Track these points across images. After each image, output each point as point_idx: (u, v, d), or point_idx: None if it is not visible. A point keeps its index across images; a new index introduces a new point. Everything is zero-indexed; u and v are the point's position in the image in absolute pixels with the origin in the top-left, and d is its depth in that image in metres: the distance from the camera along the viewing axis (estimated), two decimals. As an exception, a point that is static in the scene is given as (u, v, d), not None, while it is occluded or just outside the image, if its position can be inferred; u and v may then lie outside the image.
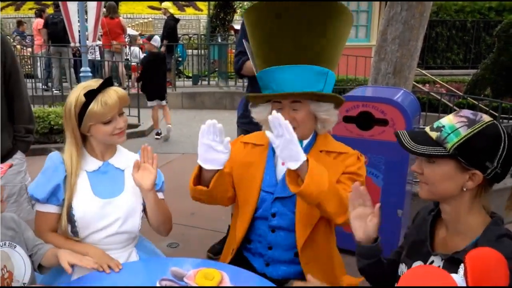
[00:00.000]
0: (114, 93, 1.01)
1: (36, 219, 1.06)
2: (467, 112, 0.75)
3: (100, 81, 1.03)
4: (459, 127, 0.72)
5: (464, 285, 0.58)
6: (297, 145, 0.89)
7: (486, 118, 0.74)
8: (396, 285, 0.72)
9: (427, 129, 0.78)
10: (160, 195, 1.13)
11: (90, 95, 0.98)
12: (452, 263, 0.73)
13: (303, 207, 1.00)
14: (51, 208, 1.04)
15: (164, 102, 4.12)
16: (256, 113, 1.06)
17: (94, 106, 0.99)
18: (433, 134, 0.75)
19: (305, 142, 1.05)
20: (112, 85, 1.04)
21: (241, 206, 1.08)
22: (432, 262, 0.78)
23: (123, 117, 1.05)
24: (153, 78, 4.01)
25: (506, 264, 0.59)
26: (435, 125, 0.76)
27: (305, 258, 1.03)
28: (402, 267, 0.85)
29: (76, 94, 1.01)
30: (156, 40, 4.19)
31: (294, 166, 0.89)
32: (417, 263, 0.80)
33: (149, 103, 4.08)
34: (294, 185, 0.91)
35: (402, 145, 0.77)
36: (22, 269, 0.92)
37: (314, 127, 1.05)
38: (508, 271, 0.59)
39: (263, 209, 1.04)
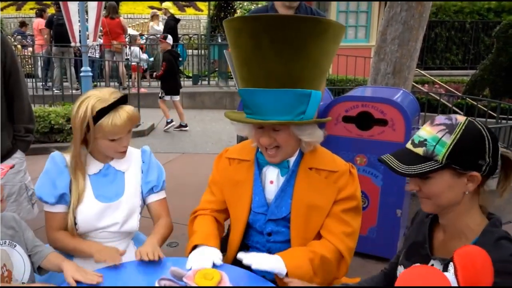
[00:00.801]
0: (125, 114, 0.99)
1: (46, 219, 1.07)
2: (441, 119, 0.74)
3: (115, 95, 1.00)
4: (442, 136, 0.72)
5: (455, 283, 0.58)
6: (268, 262, 0.90)
7: (461, 118, 0.74)
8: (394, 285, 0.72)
9: (409, 146, 0.76)
10: (162, 194, 1.13)
11: (101, 113, 0.97)
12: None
13: (298, 226, 0.98)
14: (60, 208, 1.05)
15: (178, 98, 4.47)
16: (238, 130, 1.03)
17: (104, 123, 0.97)
18: (419, 150, 0.74)
19: (292, 160, 1.00)
20: (126, 102, 1.02)
21: (233, 223, 1.07)
22: (432, 265, 0.77)
23: (129, 134, 1.04)
24: (176, 75, 4.46)
25: (491, 262, 0.60)
26: (416, 140, 0.75)
27: None
28: (401, 269, 0.85)
29: (90, 104, 0.98)
30: (170, 39, 4.60)
31: (282, 267, 0.90)
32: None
33: (166, 97, 4.42)
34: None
35: (394, 170, 0.75)
36: (21, 268, 0.92)
37: (298, 147, 1.00)
38: (493, 268, 0.60)
39: (257, 226, 1.04)
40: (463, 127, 0.72)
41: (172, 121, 4.48)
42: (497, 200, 0.77)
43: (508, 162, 0.75)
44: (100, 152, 1.06)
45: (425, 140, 0.73)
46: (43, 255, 0.96)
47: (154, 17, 7.23)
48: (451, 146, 0.71)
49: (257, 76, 0.90)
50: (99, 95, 1.00)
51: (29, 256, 0.95)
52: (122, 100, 1.01)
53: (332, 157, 1.04)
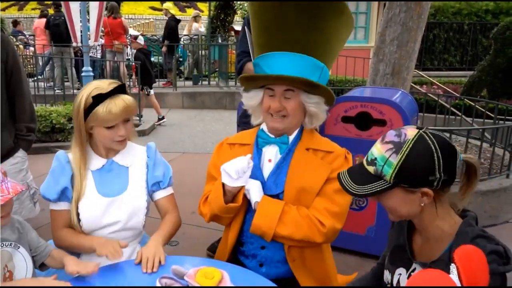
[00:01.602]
0: (121, 102, 0.99)
1: (51, 219, 1.08)
2: (391, 136, 0.74)
3: (114, 84, 1.02)
4: (389, 156, 0.72)
5: (459, 284, 0.59)
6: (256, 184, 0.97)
7: (411, 133, 0.73)
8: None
9: (364, 162, 0.78)
10: (169, 190, 1.13)
11: (99, 98, 0.98)
12: None
13: (289, 199, 1.01)
14: (63, 206, 1.05)
15: (152, 91, 4.75)
16: (247, 98, 1.05)
17: (99, 110, 0.98)
18: (371, 169, 0.75)
19: (291, 138, 1.04)
20: (124, 92, 1.02)
21: None
22: (415, 269, 0.78)
23: (127, 124, 1.03)
24: (148, 70, 4.73)
25: (486, 259, 0.61)
26: (369, 157, 0.76)
27: (291, 256, 1.03)
28: (386, 274, 0.85)
29: (88, 92, 1.00)
30: (141, 39, 5.02)
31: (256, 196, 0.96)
32: (400, 270, 0.80)
33: (152, 92, 4.65)
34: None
35: (346, 189, 0.77)
36: (23, 269, 0.93)
37: (302, 120, 1.04)
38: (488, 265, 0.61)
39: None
40: (410, 145, 0.71)
41: (163, 117, 4.66)
42: (459, 204, 0.76)
43: (471, 167, 0.75)
44: (101, 146, 1.06)
45: (376, 159, 0.74)
46: (46, 253, 0.97)
47: (197, 18, 7.41)
48: (397, 167, 0.71)
49: (276, 42, 0.97)
50: (98, 84, 1.02)
51: (33, 256, 0.96)
52: (120, 89, 1.01)
53: (330, 141, 1.08)
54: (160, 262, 0.95)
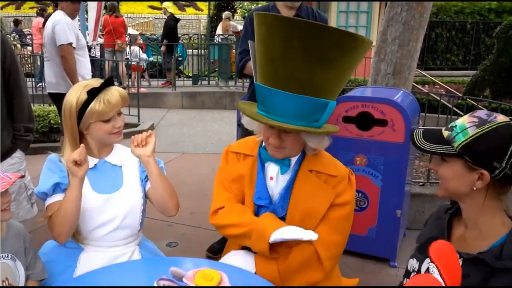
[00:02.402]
0: (116, 92, 1.03)
1: (47, 213, 1.04)
2: (481, 113, 0.75)
3: (100, 80, 1.04)
4: (469, 127, 0.73)
5: (443, 283, 0.59)
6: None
7: (501, 119, 0.74)
8: None
9: (444, 128, 0.79)
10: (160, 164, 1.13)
11: (93, 93, 1.00)
12: (475, 262, 0.72)
13: (293, 223, 1.00)
14: (58, 197, 1.03)
15: None
16: (247, 123, 1.03)
17: (96, 104, 1.00)
18: (445, 133, 0.76)
19: (294, 159, 1.02)
20: (113, 84, 1.05)
21: None
22: None
23: (121, 116, 1.06)
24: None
25: (454, 249, 0.61)
26: (450, 124, 0.77)
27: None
28: (413, 262, 0.84)
29: (77, 92, 1.02)
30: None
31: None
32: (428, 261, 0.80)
33: None
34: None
35: (413, 141, 0.79)
36: (20, 283, 0.92)
37: (302, 148, 1.02)
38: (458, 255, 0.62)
39: None
40: (494, 126, 0.72)
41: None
42: None
43: None
44: (93, 146, 1.07)
45: (455, 126, 0.75)
46: (37, 273, 0.96)
47: (230, 17, 7.56)
48: (470, 138, 0.72)
49: (280, 77, 0.88)
50: (84, 84, 1.03)
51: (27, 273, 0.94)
52: (109, 82, 1.03)
53: (333, 161, 1.06)
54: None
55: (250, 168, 1.05)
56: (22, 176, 0.97)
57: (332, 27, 0.87)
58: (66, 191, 1.00)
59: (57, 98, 2.53)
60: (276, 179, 1.04)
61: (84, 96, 1.00)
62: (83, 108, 1.01)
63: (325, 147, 1.02)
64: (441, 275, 0.59)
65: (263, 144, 1.06)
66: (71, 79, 2.44)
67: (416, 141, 0.79)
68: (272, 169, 1.05)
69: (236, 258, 1.02)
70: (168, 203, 1.08)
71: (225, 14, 8.00)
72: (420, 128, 0.82)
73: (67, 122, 1.03)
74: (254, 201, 1.03)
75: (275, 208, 1.03)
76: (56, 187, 1.03)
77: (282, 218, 1.02)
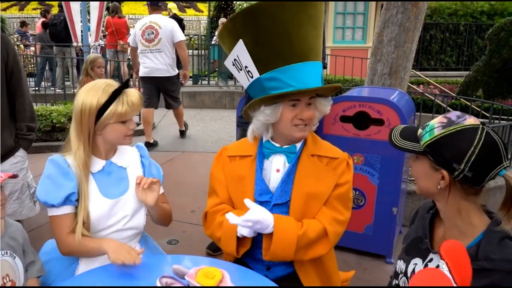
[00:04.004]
0: (136, 93, 1.03)
1: (53, 225, 1.03)
2: (453, 114, 0.76)
3: (113, 82, 1.03)
4: (436, 127, 0.74)
5: (452, 280, 0.59)
6: (261, 218, 0.94)
7: (470, 121, 0.73)
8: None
9: (421, 126, 0.80)
10: (161, 189, 1.13)
11: (115, 94, 0.99)
12: None
13: (297, 213, 1.02)
14: (67, 209, 1.02)
15: None
16: (266, 116, 1.01)
17: (119, 105, 0.99)
18: (419, 131, 0.78)
19: (298, 145, 1.05)
20: (129, 86, 1.04)
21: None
22: (431, 259, 0.78)
23: (133, 119, 1.06)
24: None
25: (466, 252, 0.62)
26: (426, 123, 0.79)
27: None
28: (400, 264, 0.85)
29: (97, 92, 1.00)
30: None
31: (268, 231, 0.95)
32: (415, 260, 0.80)
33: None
34: (266, 251, 0.95)
35: (390, 139, 0.81)
36: (20, 282, 0.92)
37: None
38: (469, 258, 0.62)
39: None
40: (459, 129, 0.72)
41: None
42: (507, 226, 0.72)
43: (508, 184, 0.72)
44: (102, 148, 1.06)
45: (428, 125, 0.77)
46: (37, 269, 0.96)
47: None
48: (434, 138, 0.73)
49: (295, 53, 0.96)
50: (105, 82, 1.03)
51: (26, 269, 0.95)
52: (127, 84, 1.04)
53: (332, 146, 1.10)
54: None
55: (248, 168, 1.06)
56: (15, 176, 0.96)
57: None
58: (92, 244, 1.00)
59: (163, 80, 3.44)
60: (283, 170, 1.05)
61: (104, 97, 0.99)
62: (102, 108, 0.99)
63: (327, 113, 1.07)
64: (450, 273, 0.59)
65: (264, 140, 1.07)
66: (186, 66, 3.55)
67: (392, 137, 0.80)
68: (277, 161, 1.05)
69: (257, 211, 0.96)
70: (162, 223, 1.15)
71: (221, 20, 8.05)
72: (400, 126, 0.83)
73: (84, 121, 1.00)
74: (255, 198, 1.04)
75: (276, 196, 1.03)
76: (66, 200, 1.00)
77: (286, 204, 1.03)
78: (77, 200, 1.02)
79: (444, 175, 0.74)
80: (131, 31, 6.21)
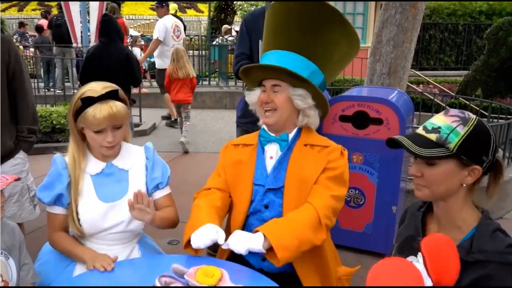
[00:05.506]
0: (107, 108, 0.95)
1: (47, 219, 1.08)
2: (455, 111, 0.77)
3: (109, 89, 0.99)
4: (456, 126, 0.74)
5: (425, 272, 0.61)
6: (244, 237, 0.93)
7: (472, 115, 0.77)
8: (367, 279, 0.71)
9: (421, 131, 0.78)
10: (167, 189, 1.13)
11: (88, 101, 0.96)
12: None
13: (290, 197, 1.04)
14: (58, 210, 1.05)
15: None
16: (248, 95, 1.13)
17: (88, 112, 0.96)
18: (432, 136, 0.75)
19: (290, 135, 1.10)
20: (116, 97, 0.99)
21: (236, 203, 1.10)
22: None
23: (117, 131, 1.00)
24: None
25: (455, 246, 0.63)
26: (429, 126, 0.76)
27: None
28: None
29: (81, 93, 0.99)
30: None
31: (260, 247, 0.91)
32: (409, 258, 0.78)
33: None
34: (275, 260, 0.92)
35: (408, 150, 0.76)
36: (13, 282, 0.92)
37: (295, 118, 1.08)
38: (458, 252, 0.63)
39: (256, 202, 1.07)
40: (475, 122, 0.75)
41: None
42: (487, 202, 0.77)
43: (497, 164, 0.77)
44: (95, 150, 1.05)
45: (439, 127, 0.75)
46: (31, 275, 0.96)
47: None
48: (464, 137, 0.73)
49: (279, 41, 1.07)
50: (93, 86, 1.00)
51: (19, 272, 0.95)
52: (112, 94, 0.98)
53: (326, 138, 1.13)
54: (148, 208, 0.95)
55: (249, 154, 1.11)
56: (19, 179, 0.96)
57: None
58: (72, 249, 1.01)
59: None
60: (275, 157, 1.09)
61: (79, 102, 0.96)
62: (79, 110, 0.97)
63: (313, 114, 1.08)
64: (425, 265, 0.60)
65: (263, 128, 1.13)
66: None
67: (410, 148, 0.75)
68: (271, 149, 1.10)
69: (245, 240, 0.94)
70: (168, 228, 1.12)
71: (224, 27, 8.10)
72: (400, 137, 0.79)
73: (68, 118, 1.01)
74: (254, 181, 1.07)
75: (269, 181, 1.06)
76: (57, 200, 1.02)
77: (279, 189, 1.06)
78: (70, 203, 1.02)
79: (475, 169, 0.74)
80: (131, 31, 6.21)
